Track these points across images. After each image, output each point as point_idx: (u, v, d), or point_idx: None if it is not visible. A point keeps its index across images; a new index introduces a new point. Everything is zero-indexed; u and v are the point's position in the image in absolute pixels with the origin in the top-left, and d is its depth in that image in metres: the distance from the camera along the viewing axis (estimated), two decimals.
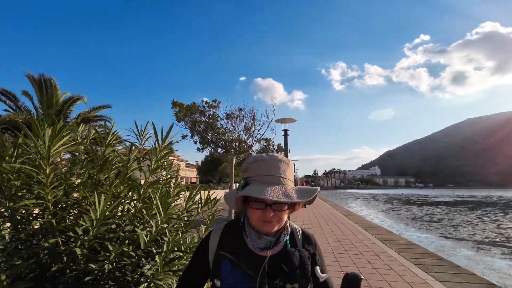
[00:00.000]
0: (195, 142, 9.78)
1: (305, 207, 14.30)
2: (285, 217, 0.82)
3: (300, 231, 0.93)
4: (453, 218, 17.63)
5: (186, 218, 1.65)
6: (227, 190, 16.77)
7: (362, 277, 0.73)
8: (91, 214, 1.19)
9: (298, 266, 0.76)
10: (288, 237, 0.87)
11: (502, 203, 31.32)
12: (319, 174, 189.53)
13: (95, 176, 1.52)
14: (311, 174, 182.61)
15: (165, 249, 1.31)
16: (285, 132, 9.80)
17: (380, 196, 53.08)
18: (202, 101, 9.28)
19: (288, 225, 0.88)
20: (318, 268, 0.80)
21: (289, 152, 12.28)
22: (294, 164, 33.26)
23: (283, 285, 0.76)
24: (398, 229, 12.82)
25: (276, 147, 16.81)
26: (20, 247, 1.28)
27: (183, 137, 9.33)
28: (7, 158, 1.32)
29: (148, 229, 1.41)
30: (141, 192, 1.45)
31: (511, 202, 33.57)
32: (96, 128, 1.81)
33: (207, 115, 9.02)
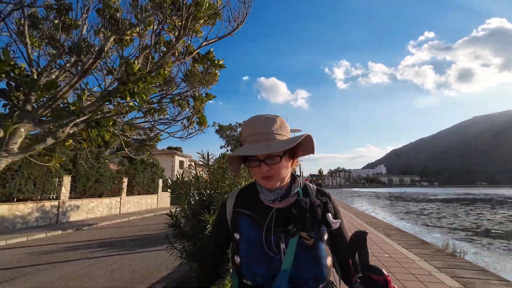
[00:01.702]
0: (227, 150, 12.62)
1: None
2: (284, 169, 0.84)
3: (315, 187, 0.95)
4: (441, 212, 19.93)
5: None
6: None
7: (368, 232, 0.73)
8: None
9: (308, 210, 0.77)
10: (300, 190, 0.91)
11: (496, 200, 33.20)
12: (324, 173, 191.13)
13: None
14: (316, 173, 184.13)
15: None
16: None
17: (382, 194, 55.08)
18: (237, 123, 12.76)
19: (300, 181, 0.93)
20: (330, 214, 0.79)
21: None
22: (300, 165, 35.81)
23: (297, 232, 0.77)
24: (389, 220, 15.24)
25: None
26: None
27: (221, 147, 12.12)
28: None
29: None
30: None
31: (506, 199, 35.40)
32: None
33: (238, 131, 11.94)
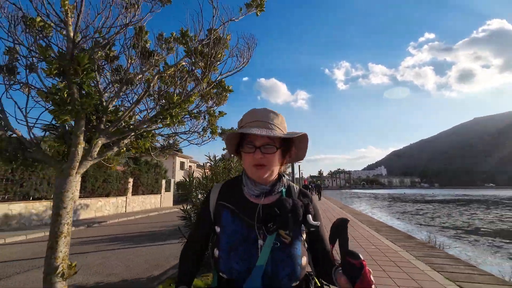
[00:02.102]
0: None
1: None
2: (275, 163, 0.87)
3: (298, 188, 0.98)
4: (436, 213, 20.50)
5: None
6: None
7: (349, 219, 0.77)
8: None
9: (289, 210, 0.79)
10: (284, 189, 0.93)
11: (491, 201, 33.74)
12: (324, 174, 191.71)
13: None
14: (316, 174, 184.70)
15: None
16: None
17: (381, 195, 55.61)
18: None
19: (285, 180, 0.95)
20: (310, 216, 0.81)
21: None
22: (300, 166, 36.25)
23: (276, 230, 0.78)
24: (385, 219, 15.82)
25: None
26: None
27: (224, 149, 12.73)
28: None
29: None
30: None
31: (502, 200, 35.95)
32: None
33: None
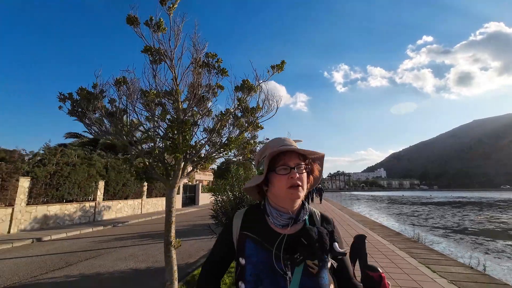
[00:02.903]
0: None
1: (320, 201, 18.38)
2: (306, 182, 0.90)
3: (319, 213, 0.98)
4: (430, 214, 21.68)
5: None
6: None
7: (366, 236, 0.79)
8: None
9: (316, 240, 0.78)
10: (307, 217, 0.92)
11: (487, 203, 34.95)
12: (324, 176, 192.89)
13: None
14: None
15: None
16: None
17: (380, 197, 56.75)
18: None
19: (307, 207, 0.95)
20: (336, 244, 0.81)
21: None
22: None
23: (303, 260, 0.78)
24: (381, 220, 16.99)
25: None
26: None
27: None
28: None
29: None
30: None
31: (496, 202, 37.13)
32: None
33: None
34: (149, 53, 3.15)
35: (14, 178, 8.85)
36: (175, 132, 2.91)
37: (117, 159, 14.62)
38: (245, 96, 3.42)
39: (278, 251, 0.82)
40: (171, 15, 3.06)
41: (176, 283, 2.95)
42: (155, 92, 3.11)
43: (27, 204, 9.37)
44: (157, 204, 17.86)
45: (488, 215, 20.95)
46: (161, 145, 3.16)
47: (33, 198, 9.58)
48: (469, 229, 14.12)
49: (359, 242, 0.79)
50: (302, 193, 0.86)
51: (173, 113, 3.12)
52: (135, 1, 3.05)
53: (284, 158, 0.88)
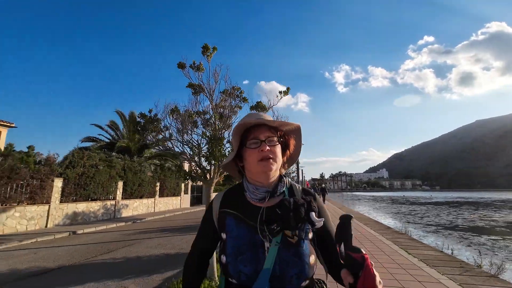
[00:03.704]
0: None
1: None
2: (280, 156, 0.90)
3: (300, 187, 0.98)
4: (426, 213, 22.69)
5: None
6: None
7: (352, 216, 0.76)
8: None
9: (291, 209, 0.79)
10: (286, 190, 0.93)
11: (484, 203, 35.84)
12: (326, 177, 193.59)
13: None
14: (318, 177, 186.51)
15: None
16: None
17: (380, 198, 57.73)
18: None
19: (287, 180, 0.96)
20: (313, 213, 0.80)
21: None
22: (302, 170, 38.38)
23: (280, 231, 0.79)
24: (378, 218, 18.02)
25: None
26: None
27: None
28: None
29: None
30: None
31: (494, 202, 38.00)
32: None
33: None
34: (192, 88, 4.34)
35: (50, 179, 10.06)
36: (213, 146, 4.07)
37: (133, 161, 15.84)
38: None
39: (256, 224, 0.84)
40: (209, 62, 4.24)
41: (215, 268, 4.08)
42: (194, 113, 4.30)
43: (60, 202, 10.58)
44: (168, 203, 19.06)
45: (481, 214, 21.92)
46: (200, 155, 4.33)
47: (64, 197, 10.79)
48: (460, 226, 15.15)
49: (344, 222, 0.76)
50: (275, 166, 0.87)
51: (209, 132, 4.29)
52: (184, 52, 4.30)
53: (254, 132, 0.90)
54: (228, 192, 0.99)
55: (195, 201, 24.32)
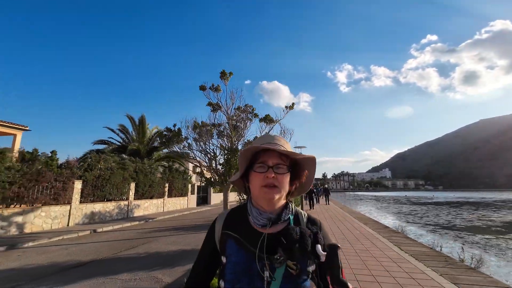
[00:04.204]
0: None
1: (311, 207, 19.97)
2: (286, 186, 0.87)
3: (306, 215, 0.96)
4: (426, 213, 23.24)
5: None
6: None
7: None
8: None
9: (297, 240, 0.77)
10: (291, 217, 0.90)
11: (485, 203, 36.21)
12: (328, 176, 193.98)
13: None
14: (320, 177, 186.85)
15: None
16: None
17: (382, 197, 58.14)
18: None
19: (292, 207, 0.93)
20: (319, 246, 0.77)
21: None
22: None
23: (283, 261, 0.76)
24: (378, 218, 18.63)
25: None
26: None
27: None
28: None
29: None
30: None
31: (494, 202, 38.34)
32: None
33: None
34: (211, 106, 5.07)
35: (71, 181, 10.85)
36: (229, 155, 4.80)
37: (143, 163, 16.63)
38: (266, 126, 5.34)
39: (258, 251, 0.81)
40: (227, 84, 4.97)
41: None
42: (212, 127, 5.04)
43: (79, 203, 11.38)
44: (176, 203, 19.84)
45: (480, 214, 22.42)
46: (217, 163, 5.06)
47: (83, 198, 11.59)
48: (457, 226, 15.74)
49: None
50: (278, 195, 0.84)
51: (226, 143, 5.02)
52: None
53: (263, 156, 0.87)
54: (231, 212, 0.96)
55: (200, 201, 25.12)
